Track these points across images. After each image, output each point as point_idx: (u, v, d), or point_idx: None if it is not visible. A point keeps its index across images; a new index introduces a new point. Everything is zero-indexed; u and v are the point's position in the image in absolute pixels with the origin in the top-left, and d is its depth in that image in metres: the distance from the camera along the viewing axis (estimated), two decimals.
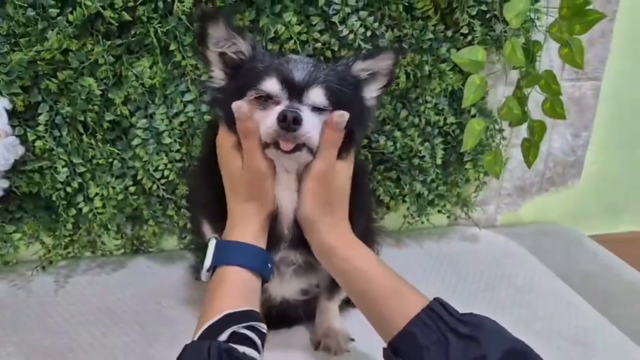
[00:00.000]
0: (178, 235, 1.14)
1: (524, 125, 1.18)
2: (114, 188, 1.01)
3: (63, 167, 0.99)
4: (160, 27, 0.93)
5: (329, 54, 1.04)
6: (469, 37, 1.07)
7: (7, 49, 0.91)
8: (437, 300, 0.69)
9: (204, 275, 0.74)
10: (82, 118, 0.97)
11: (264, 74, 0.72)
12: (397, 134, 1.13)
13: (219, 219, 0.79)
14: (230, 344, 0.64)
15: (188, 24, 0.95)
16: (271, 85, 0.71)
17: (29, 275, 1.10)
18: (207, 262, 0.72)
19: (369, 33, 1.01)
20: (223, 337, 0.64)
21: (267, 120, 0.69)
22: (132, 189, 1.03)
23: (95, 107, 0.97)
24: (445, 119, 1.13)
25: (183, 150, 1.03)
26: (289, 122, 0.66)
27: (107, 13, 0.91)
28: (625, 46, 1.31)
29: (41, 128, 0.97)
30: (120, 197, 1.02)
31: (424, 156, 1.15)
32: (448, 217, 1.30)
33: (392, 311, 0.70)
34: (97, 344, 0.93)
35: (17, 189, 1.00)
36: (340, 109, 0.72)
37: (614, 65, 1.32)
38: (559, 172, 1.40)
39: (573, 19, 1.06)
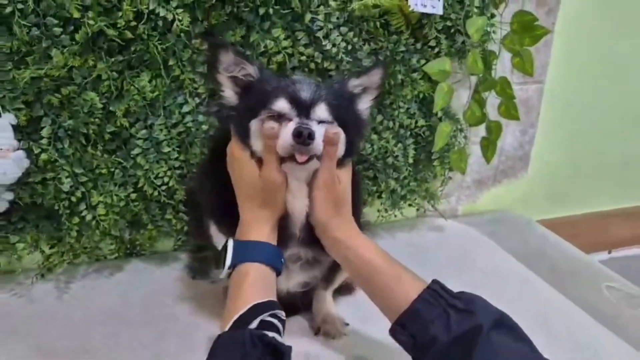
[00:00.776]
0: (174, 237, 1.20)
1: (482, 125, 1.33)
2: (117, 196, 1.06)
3: (66, 177, 1.03)
4: (160, 43, 1.00)
5: (312, 65, 1.13)
6: (436, 50, 1.19)
7: (11, 66, 0.95)
8: (435, 282, 0.81)
9: (224, 273, 0.81)
10: (84, 130, 1.02)
11: (274, 95, 0.81)
12: (374, 137, 1.24)
13: (227, 221, 0.87)
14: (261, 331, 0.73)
15: (186, 41, 1.01)
16: (282, 105, 0.80)
17: (28, 284, 1.13)
18: (228, 260, 0.80)
19: (349, 47, 1.12)
20: (253, 325, 0.73)
21: (284, 137, 0.78)
22: (133, 195, 1.09)
23: (97, 119, 1.02)
24: (416, 122, 1.26)
25: (181, 157, 1.09)
26: (305, 138, 0.76)
27: (110, 31, 0.96)
28: (563, 54, 1.49)
29: (44, 141, 1.00)
30: (121, 204, 1.08)
31: (397, 156, 1.27)
32: (417, 209, 1.43)
33: (396, 294, 0.81)
34: (110, 344, 0.98)
35: (20, 200, 1.04)
36: (341, 122, 0.82)
37: (554, 70, 1.49)
38: (510, 165, 1.57)
39: (523, 33, 1.21)
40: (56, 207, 1.06)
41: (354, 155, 0.87)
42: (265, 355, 0.69)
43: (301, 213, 0.86)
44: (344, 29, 1.11)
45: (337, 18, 1.10)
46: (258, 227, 0.83)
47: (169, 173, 1.09)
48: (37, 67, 0.94)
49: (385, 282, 0.82)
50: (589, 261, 1.38)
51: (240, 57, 0.83)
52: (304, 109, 0.80)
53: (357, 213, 0.92)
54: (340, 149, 0.83)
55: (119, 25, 0.96)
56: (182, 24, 0.99)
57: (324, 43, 1.10)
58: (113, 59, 0.99)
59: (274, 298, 0.79)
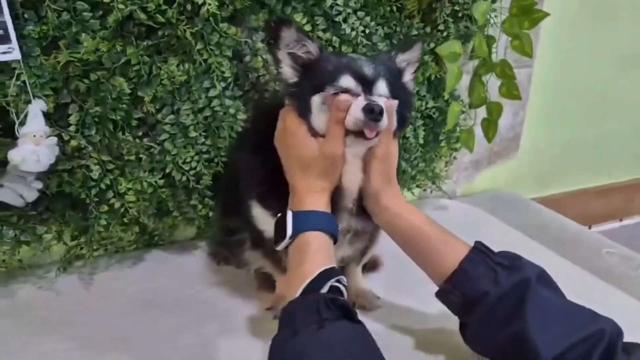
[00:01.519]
0: (199, 222, 1.20)
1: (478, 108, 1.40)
2: (147, 182, 1.06)
3: (95, 164, 1.02)
4: (188, 28, 1.00)
5: (330, 50, 1.16)
6: (445, 33, 1.25)
7: (39, 52, 0.94)
8: (478, 242, 0.86)
9: (283, 243, 0.83)
10: (112, 116, 1.01)
11: (339, 72, 0.83)
12: None
13: (274, 200, 0.89)
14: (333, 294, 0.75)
15: (214, 24, 1.02)
16: (348, 81, 0.83)
17: (51, 277, 1.11)
18: (289, 230, 0.82)
19: (367, 31, 1.16)
20: (324, 290, 0.75)
21: (354, 112, 0.80)
22: (160, 182, 1.09)
23: (124, 105, 1.02)
24: (426, 104, 1.31)
25: (208, 142, 1.10)
26: (376, 114, 0.79)
27: (141, 15, 0.96)
28: (550, 39, 1.58)
29: (72, 128, 0.99)
30: (150, 190, 1.07)
31: (408, 137, 1.32)
32: (424, 190, 1.48)
33: (444, 256, 0.85)
34: (147, 330, 0.97)
35: (46, 190, 1.02)
36: (394, 96, 0.86)
37: (542, 55, 1.58)
38: (504, 146, 1.65)
39: (522, 17, 1.29)
40: (83, 196, 1.04)
41: (406, 126, 0.91)
42: (340, 318, 0.72)
43: (355, 186, 0.89)
44: (360, 14, 1.15)
45: (355, 2, 1.14)
46: (314, 197, 0.85)
47: (196, 158, 1.09)
48: (70, 51, 0.92)
49: (434, 245, 0.86)
50: (586, 231, 1.48)
51: (303, 35, 0.86)
52: (367, 85, 0.83)
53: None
54: (394, 122, 0.86)
55: (149, 9, 0.96)
56: (210, 7, 1.00)
57: (343, 27, 1.14)
58: (145, 43, 0.99)
59: (335, 265, 0.82)
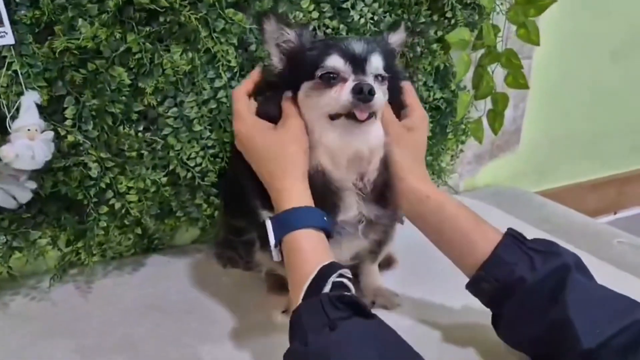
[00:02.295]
0: (201, 225, 1.12)
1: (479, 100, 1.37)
2: (150, 179, 0.98)
3: (93, 162, 0.94)
4: (192, 14, 0.94)
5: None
6: (452, 21, 1.22)
7: (31, 39, 0.86)
8: (511, 229, 0.82)
9: (275, 253, 0.77)
10: (111, 110, 0.94)
11: (326, 53, 0.79)
12: None
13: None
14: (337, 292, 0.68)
15: (220, 10, 0.96)
16: (335, 61, 0.78)
17: (44, 287, 1.02)
18: (271, 239, 0.75)
19: (375, 18, 1.12)
20: (326, 289, 0.68)
21: (343, 93, 0.76)
22: (163, 180, 1.02)
23: (124, 97, 0.94)
24: (434, 94, 1.27)
25: (214, 136, 1.03)
26: (365, 94, 0.74)
27: (143, 0, 0.90)
28: (550, 30, 1.56)
29: (68, 123, 0.92)
30: (153, 189, 1.00)
31: None
32: None
33: (475, 243, 0.81)
34: (154, 335, 0.91)
35: (40, 190, 0.93)
36: (391, 76, 0.83)
37: (541, 46, 1.56)
38: (506, 139, 1.63)
39: (527, 4, 1.27)
40: (80, 197, 0.96)
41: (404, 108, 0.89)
42: (350, 316, 0.66)
43: (372, 173, 0.84)
44: (368, 0, 1.11)
45: None
46: (289, 194, 0.78)
47: (201, 153, 1.03)
48: (66, 38, 0.85)
49: (465, 231, 0.82)
50: (594, 222, 1.46)
51: (282, 24, 0.83)
52: (358, 64, 0.79)
53: None
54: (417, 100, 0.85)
55: None
56: None
57: (351, 14, 1.09)
58: (146, 29, 0.92)
59: (333, 259, 0.75)
